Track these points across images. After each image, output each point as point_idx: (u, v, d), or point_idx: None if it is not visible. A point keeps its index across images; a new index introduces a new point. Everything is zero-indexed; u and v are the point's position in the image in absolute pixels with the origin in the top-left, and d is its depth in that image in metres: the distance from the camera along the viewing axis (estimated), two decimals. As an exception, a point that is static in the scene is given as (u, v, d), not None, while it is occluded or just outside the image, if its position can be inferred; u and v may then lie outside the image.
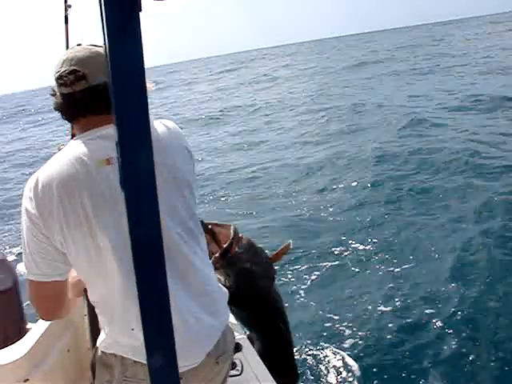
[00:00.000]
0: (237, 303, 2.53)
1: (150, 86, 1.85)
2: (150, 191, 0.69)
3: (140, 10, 0.55)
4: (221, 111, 21.32)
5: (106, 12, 0.55)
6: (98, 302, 1.66)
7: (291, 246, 3.00)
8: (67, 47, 2.40)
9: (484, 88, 16.15)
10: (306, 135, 13.72)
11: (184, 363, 1.63)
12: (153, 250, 0.74)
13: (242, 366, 2.08)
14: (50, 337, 2.53)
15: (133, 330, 1.54)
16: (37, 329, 2.49)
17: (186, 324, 1.61)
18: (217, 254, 2.62)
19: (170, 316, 0.78)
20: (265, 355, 2.44)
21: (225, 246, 2.63)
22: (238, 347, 1.95)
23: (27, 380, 2.34)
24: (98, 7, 0.56)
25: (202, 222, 2.66)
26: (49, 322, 2.52)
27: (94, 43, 1.67)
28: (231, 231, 2.70)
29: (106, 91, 1.58)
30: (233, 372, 1.97)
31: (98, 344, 1.71)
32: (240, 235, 2.73)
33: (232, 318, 2.40)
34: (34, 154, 18.31)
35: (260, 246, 2.92)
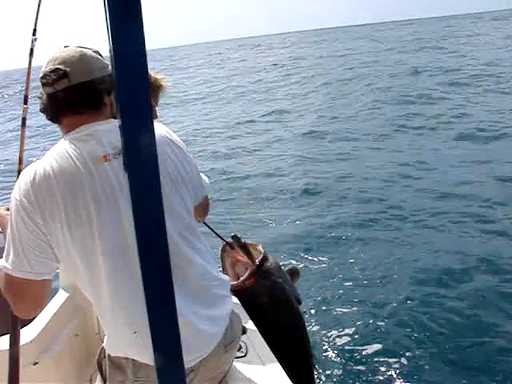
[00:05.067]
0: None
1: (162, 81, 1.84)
2: (153, 173, 0.72)
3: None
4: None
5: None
6: (94, 306, 1.62)
7: (301, 273, 2.99)
8: (28, 80, 2.37)
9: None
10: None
11: (190, 357, 1.63)
12: (157, 231, 0.77)
13: (247, 348, 2.11)
14: (59, 321, 2.57)
15: (135, 333, 1.52)
16: (46, 313, 2.53)
17: (187, 322, 1.60)
18: (251, 268, 2.61)
19: (175, 309, 0.79)
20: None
21: (259, 258, 2.64)
22: (243, 330, 1.98)
23: (36, 363, 2.39)
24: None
25: (235, 236, 2.68)
26: (58, 307, 2.57)
27: (83, 45, 1.66)
28: (261, 248, 2.73)
29: (87, 91, 1.59)
30: (238, 354, 1.99)
31: (104, 344, 1.69)
32: (261, 250, 2.74)
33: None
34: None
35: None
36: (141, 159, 0.70)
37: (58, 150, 1.53)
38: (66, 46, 1.66)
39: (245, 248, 2.67)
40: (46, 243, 1.47)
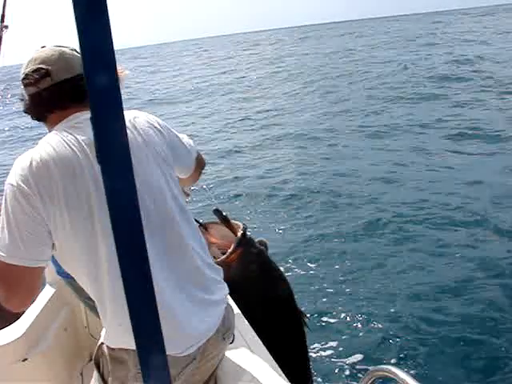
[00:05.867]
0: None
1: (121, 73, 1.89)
2: (125, 163, 0.75)
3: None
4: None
5: None
6: (92, 294, 1.60)
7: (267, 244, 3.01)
8: None
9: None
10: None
11: (190, 342, 1.64)
12: (131, 220, 0.79)
13: (234, 335, 2.14)
14: (47, 317, 2.59)
15: None
16: (33, 309, 2.55)
17: (186, 306, 1.62)
18: (236, 238, 2.63)
19: (153, 288, 0.81)
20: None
21: (241, 229, 2.65)
22: None
23: (25, 359, 2.40)
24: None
25: (217, 209, 2.71)
26: (45, 302, 2.59)
27: (60, 44, 1.70)
28: (238, 222, 2.75)
29: (71, 87, 1.62)
30: None
31: (102, 339, 1.66)
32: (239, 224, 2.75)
33: None
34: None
35: None
36: (113, 151, 0.72)
37: (51, 138, 1.54)
38: (42, 47, 1.70)
39: (227, 221, 2.69)
40: (43, 228, 1.45)
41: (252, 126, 14.48)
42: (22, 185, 1.43)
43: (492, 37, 30.24)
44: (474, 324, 4.34)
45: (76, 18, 0.62)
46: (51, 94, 1.60)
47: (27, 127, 17.37)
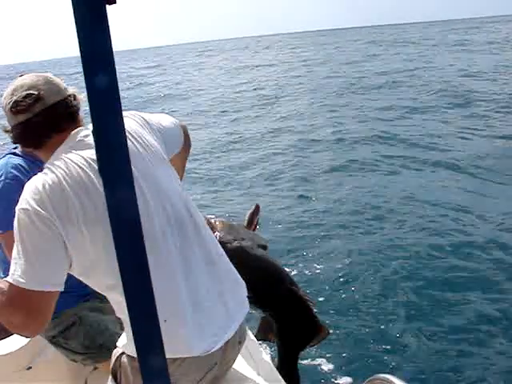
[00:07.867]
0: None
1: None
2: (127, 178, 0.73)
3: (108, 3, 0.60)
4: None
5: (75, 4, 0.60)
6: (120, 307, 1.56)
7: (260, 209, 2.87)
8: None
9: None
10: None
11: (215, 338, 1.65)
12: (133, 232, 0.77)
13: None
14: None
15: (165, 321, 1.47)
16: None
17: (213, 298, 1.67)
18: None
19: (153, 297, 0.83)
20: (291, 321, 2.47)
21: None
22: None
23: (30, 368, 2.40)
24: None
25: None
26: None
27: (36, 73, 1.68)
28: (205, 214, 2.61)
29: (64, 108, 1.61)
30: None
31: (121, 349, 1.67)
32: (212, 221, 2.63)
33: None
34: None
35: (234, 222, 2.82)
36: (115, 163, 0.71)
37: (57, 161, 1.51)
38: (21, 75, 1.69)
39: None
40: (62, 251, 1.43)
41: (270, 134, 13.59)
42: (38, 208, 1.39)
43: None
44: (473, 338, 4.26)
45: (76, 21, 0.60)
46: (45, 118, 1.58)
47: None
